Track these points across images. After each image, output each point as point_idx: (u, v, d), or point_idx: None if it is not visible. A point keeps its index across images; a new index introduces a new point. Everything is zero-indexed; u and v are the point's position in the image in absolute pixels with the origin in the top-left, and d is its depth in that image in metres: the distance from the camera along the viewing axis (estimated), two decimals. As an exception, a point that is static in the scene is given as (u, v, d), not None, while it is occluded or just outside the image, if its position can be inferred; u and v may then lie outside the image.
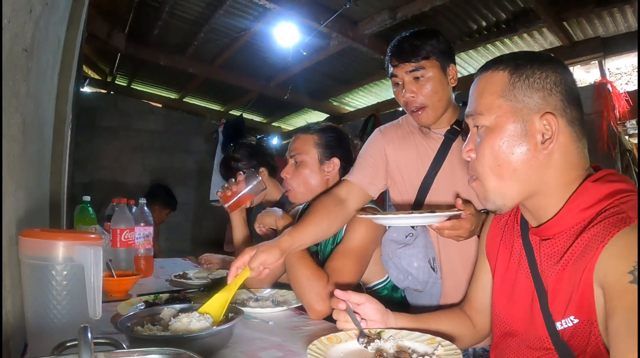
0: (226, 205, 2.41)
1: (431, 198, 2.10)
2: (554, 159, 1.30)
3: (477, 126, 1.37)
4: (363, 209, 2.14)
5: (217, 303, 1.64)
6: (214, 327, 1.45)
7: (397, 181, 2.20)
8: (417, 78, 1.98)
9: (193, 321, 1.47)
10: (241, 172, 2.46)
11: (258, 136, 3.14)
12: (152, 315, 1.60)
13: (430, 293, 2.08)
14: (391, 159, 2.18)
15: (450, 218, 1.75)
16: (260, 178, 2.38)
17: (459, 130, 2.06)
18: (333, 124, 2.47)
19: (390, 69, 2.05)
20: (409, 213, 1.77)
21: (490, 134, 1.32)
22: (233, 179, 2.43)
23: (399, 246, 2.02)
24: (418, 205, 2.12)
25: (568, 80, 1.33)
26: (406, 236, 2.03)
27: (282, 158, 2.43)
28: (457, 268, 2.05)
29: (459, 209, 1.73)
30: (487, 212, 1.80)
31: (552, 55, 1.39)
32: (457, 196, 1.88)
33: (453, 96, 2.11)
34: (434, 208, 1.95)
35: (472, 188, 1.43)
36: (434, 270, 2.01)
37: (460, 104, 2.13)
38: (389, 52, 2.06)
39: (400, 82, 2.03)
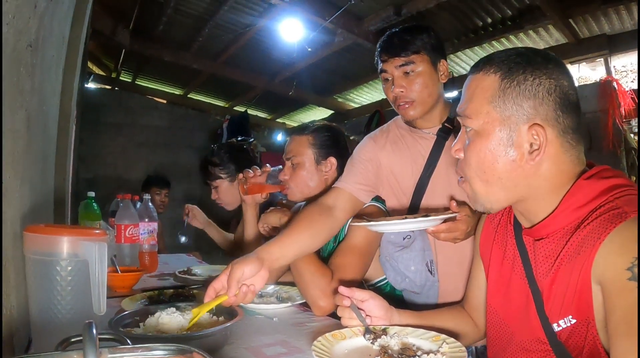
0: (245, 186, 2.39)
1: (427, 200, 2.06)
2: (543, 169, 1.27)
3: (466, 127, 1.34)
4: (358, 216, 2.11)
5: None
6: (211, 328, 1.42)
7: (392, 185, 2.16)
8: (407, 73, 1.96)
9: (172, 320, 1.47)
10: (267, 164, 2.44)
11: (239, 139, 3.08)
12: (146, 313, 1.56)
13: (427, 295, 2.06)
14: (385, 164, 2.14)
15: (445, 220, 1.72)
16: (280, 181, 2.34)
17: (450, 128, 2.03)
18: (328, 123, 2.45)
19: (380, 65, 2.03)
20: (403, 218, 1.75)
21: (477, 139, 1.30)
22: (257, 168, 2.42)
23: (397, 249, 2.01)
24: (414, 208, 2.08)
25: (564, 86, 1.26)
26: (404, 239, 2.02)
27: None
28: (454, 270, 2.03)
29: (454, 212, 1.71)
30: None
31: (552, 54, 1.33)
32: (452, 198, 1.87)
33: (444, 93, 2.08)
34: (429, 212, 1.91)
35: (462, 188, 1.41)
36: (431, 273, 2.00)
37: (451, 101, 2.11)
38: (378, 47, 2.04)
39: (389, 78, 2.01)
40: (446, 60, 2.03)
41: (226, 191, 3.22)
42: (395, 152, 2.14)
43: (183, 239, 3.08)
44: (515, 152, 1.25)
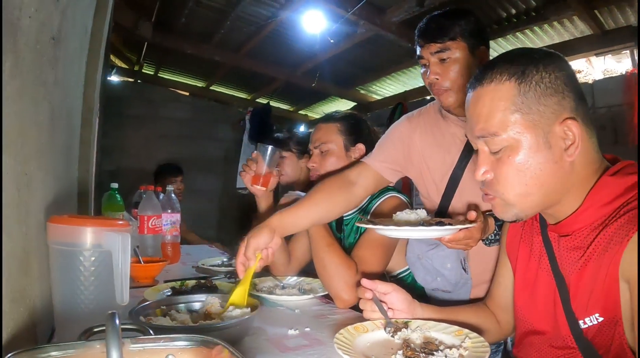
0: (258, 186, 2.27)
1: (459, 194, 2.01)
2: (576, 163, 1.24)
3: (492, 147, 1.27)
4: (374, 216, 2.10)
5: (238, 297, 1.63)
6: (228, 321, 1.44)
7: (422, 170, 2.11)
8: (442, 60, 1.88)
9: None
10: (254, 152, 2.33)
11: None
12: (169, 304, 1.61)
13: (458, 294, 2.02)
14: (418, 146, 2.10)
15: (461, 229, 1.62)
16: (272, 147, 2.24)
17: None
18: (352, 111, 2.45)
19: (418, 50, 1.96)
20: (419, 227, 1.64)
21: (511, 153, 1.23)
22: (251, 159, 2.30)
23: (430, 247, 1.96)
24: (446, 202, 2.03)
25: (572, 75, 1.25)
26: None
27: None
28: (487, 266, 1.96)
29: (472, 221, 1.61)
30: (494, 216, 1.76)
31: (550, 50, 1.29)
32: (469, 206, 1.83)
33: None
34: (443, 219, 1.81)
35: (489, 202, 1.35)
36: (465, 271, 1.96)
37: None
38: (416, 32, 1.96)
39: (426, 64, 1.93)
40: (488, 47, 1.96)
41: (290, 164, 3.27)
42: (429, 135, 2.09)
43: None
44: (553, 154, 1.21)
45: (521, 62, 1.24)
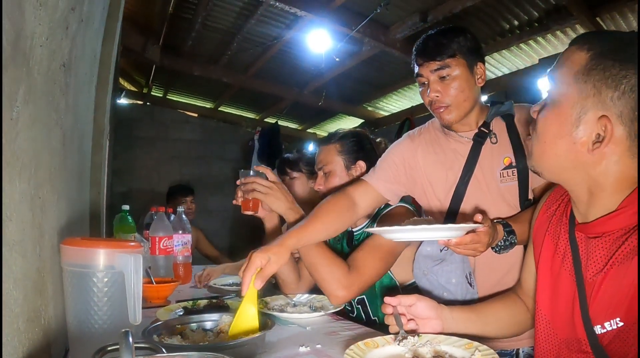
0: (251, 213, 2.28)
1: (464, 209, 2.00)
2: (606, 165, 1.22)
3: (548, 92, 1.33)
4: (383, 221, 2.11)
5: (245, 321, 1.57)
6: (239, 339, 1.44)
7: (425, 188, 2.11)
8: (442, 77, 1.89)
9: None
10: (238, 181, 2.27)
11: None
12: (182, 323, 1.61)
13: None
14: (421, 165, 2.10)
15: (468, 232, 1.60)
16: (253, 172, 2.20)
17: (487, 132, 1.97)
18: (352, 129, 2.46)
19: (416, 69, 1.97)
20: (421, 226, 1.62)
21: (550, 107, 1.29)
22: (241, 183, 2.24)
23: (435, 262, 1.95)
24: (452, 216, 2.02)
25: None
26: (441, 250, 1.94)
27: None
28: (492, 279, 1.98)
29: (478, 223, 1.59)
30: (502, 223, 1.77)
31: None
32: (477, 209, 1.83)
33: (481, 97, 2.01)
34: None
35: (526, 144, 1.44)
36: (470, 285, 1.95)
37: (489, 105, 2.03)
38: (414, 51, 1.97)
39: (425, 82, 1.94)
40: (484, 63, 1.97)
41: (301, 184, 3.35)
42: (430, 153, 2.09)
43: None
44: (576, 134, 1.23)
45: (608, 45, 1.24)
